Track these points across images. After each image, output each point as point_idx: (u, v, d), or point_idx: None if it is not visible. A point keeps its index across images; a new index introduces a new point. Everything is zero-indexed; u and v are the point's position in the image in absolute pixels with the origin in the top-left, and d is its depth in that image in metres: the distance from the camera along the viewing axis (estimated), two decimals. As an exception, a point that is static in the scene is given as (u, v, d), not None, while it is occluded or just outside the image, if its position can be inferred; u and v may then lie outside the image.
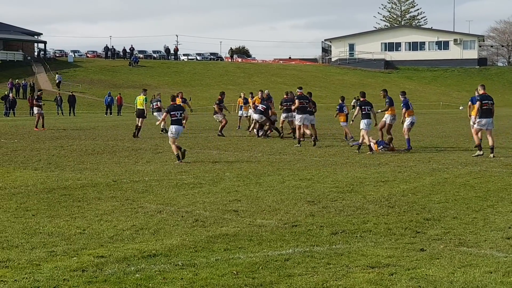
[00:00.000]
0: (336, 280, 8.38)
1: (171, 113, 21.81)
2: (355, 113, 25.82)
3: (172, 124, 21.73)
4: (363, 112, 25.01)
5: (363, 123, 24.77)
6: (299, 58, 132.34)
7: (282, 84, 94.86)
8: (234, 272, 8.71)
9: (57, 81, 78.66)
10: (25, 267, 8.94)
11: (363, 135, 24.83)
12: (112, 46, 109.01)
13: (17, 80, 73.43)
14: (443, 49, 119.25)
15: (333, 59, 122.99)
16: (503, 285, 8.16)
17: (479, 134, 22.82)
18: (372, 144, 24.57)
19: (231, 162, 21.71)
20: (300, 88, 28.78)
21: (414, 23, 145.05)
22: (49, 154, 24.14)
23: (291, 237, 10.79)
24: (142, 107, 33.41)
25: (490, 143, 22.66)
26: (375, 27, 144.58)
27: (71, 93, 63.33)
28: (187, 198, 14.66)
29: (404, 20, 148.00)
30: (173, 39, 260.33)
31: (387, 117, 26.25)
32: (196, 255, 9.66)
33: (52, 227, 11.53)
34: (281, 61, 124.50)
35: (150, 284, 8.20)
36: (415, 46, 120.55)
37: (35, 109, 39.14)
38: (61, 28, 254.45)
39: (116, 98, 64.99)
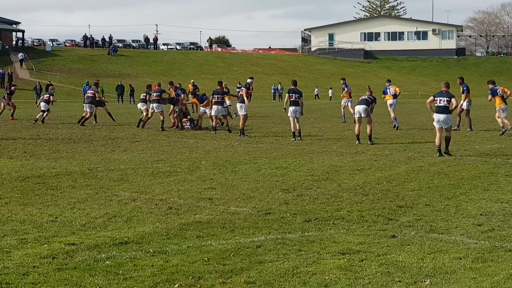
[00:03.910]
0: (306, 267, 8.41)
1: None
2: (285, 100, 26.27)
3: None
4: (291, 100, 25.45)
5: (290, 111, 25.36)
6: (279, 48, 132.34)
7: (262, 74, 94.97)
8: (205, 259, 8.72)
9: (20, 59, 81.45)
10: (-5, 254, 8.90)
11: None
12: (91, 35, 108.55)
13: (-6, 69, 72.95)
14: (422, 39, 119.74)
15: (312, 49, 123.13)
16: (472, 271, 8.21)
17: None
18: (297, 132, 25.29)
19: (208, 150, 21.70)
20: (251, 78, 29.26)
21: (393, 13, 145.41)
22: (25, 143, 24.01)
23: (263, 225, 10.81)
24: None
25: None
26: (355, 17, 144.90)
27: (49, 82, 62.90)
28: (162, 186, 14.64)
29: (384, 10, 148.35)
30: (152, 29, 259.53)
31: (464, 103, 29.54)
32: (168, 242, 9.65)
33: (24, 215, 11.47)
34: (261, 51, 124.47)
35: (120, 271, 8.18)
36: (394, 36, 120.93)
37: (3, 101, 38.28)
38: (39, 17, 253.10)
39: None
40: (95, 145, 23.43)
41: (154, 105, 30.40)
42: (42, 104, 35.10)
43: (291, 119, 25.48)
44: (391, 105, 32.19)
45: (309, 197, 13.28)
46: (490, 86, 28.09)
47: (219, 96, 28.53)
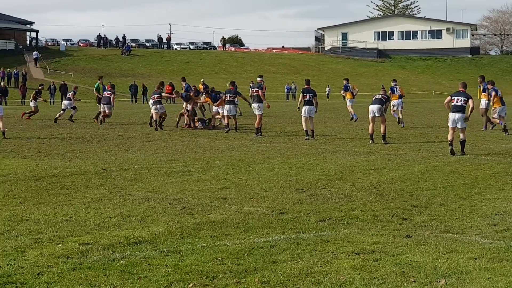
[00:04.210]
0: (320, 266, 8.39)
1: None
2: (299, 100, 26.19)
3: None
4: (305, 99, 25.46)
5: (304, 110, 25.35)
6: (292, 47, 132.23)
7: (275, 73, 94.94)
8: (219, 258, 8.72)
9: (34, 57, 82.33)
10: (10, 254, 8.93)
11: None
12: (105, 35, 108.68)
13: (8, 69, 73.14)
14: (436, 38, 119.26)
15: (326, 48, 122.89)
16: (487, 271, 8.17)
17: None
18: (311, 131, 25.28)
19: (222, 150, 21.71)
20: (260, 76, 29.07)
21: (407, 12, 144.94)
22: (39, 142, 24.10)
23: (277, 224, 10.80)
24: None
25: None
26: (368, 16, 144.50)
27: (63, 82, 63.10)
28: (176, 185, 14.65)
29: (397, 9, 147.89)
30: (166, 28, 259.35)
31: (483, 102, 29.81)
32: (182, 242, 9.66)
33: (39, 215, 11.51)
34: (274, 50, 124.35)
35: (135, 270, 8.20)
36: (408, 35, 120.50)
37: (33, 103, 38.87)
38: (53, 16, 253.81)
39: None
40: (109, 144, 23.49)
41: (158, 106, 30.39)
42: (66, 102, 35.63)
43: (303, 118, 25.45)
44: (394, 105, 32.51)
45: (323, 196, 13.26)
46: (490, 86, 28.62)
47: (231, 95, 28.53)
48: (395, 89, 33.21)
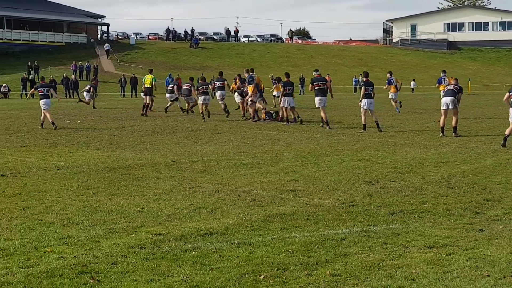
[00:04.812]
0: (392, 260, 8.34)
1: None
2: (362, 93, 26.00)
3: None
4: (365, 92, 25.28)
5: (364, 103, 25.23)
6: (360, 40, 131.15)
7: (343, 66, 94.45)
8: (290, 250, 8.74)
9: (106, 49, 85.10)
10: (84, 244, 9.11)
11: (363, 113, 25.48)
12: (174, 28, 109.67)
13: (80, 62, 74.46)
14: (507, 29, 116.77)
15: (394, 40, 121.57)
16: None
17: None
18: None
19: (290, 142, 21.71)
20: (317, 70, 28.99)
21: (477, 3, 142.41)
22: (111, 134, 24.48)
23: (348, 217, 10.76)
24: (149, 86, 34.98)
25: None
26: (438, 7, 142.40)
27: (133, 75, 63.93)
28: (245, 178, 14.72)
29: (467, 0, 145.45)
30: (233, 21, 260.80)
31: None
32: (252, 233, 9.71)
33: (112, 205, 11.71)
34: (342, 43, 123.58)
35: (206, 262, 8.28)
36: (478, 26, 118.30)
37: (86, 94, 40.70)
38: (123, 10, 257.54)
39: (175, 79, 65.52)
40: (178, 137, 23.72)
41: (207, 97, 31.65)
42: (168, 95, 36.94)
43: (363, 111, 25.24)
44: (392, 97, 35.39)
45: (393, 189, 13.16)
46: None
47: (289, 88, 28.60)
48: (392, 80, 35.86)
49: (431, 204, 11.73)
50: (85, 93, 41.47)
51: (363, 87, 25.75)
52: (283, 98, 28.77)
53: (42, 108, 27.24)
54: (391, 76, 36.99)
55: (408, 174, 15.07)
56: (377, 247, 8.92)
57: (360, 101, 25.50)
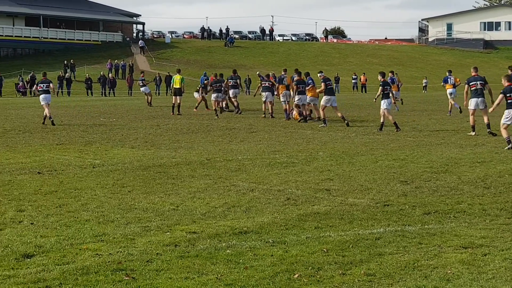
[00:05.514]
0: (427, 260, 8.29)
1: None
2: (378, 93, 25.90)
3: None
4: (384, 92, 25.27)
5: (384, 103, 25.20)
6: (395, 39, 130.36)
7: (378, 65, 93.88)
8: (324, 250, 8.72)
9: (140, 46, 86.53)
10: (119, 241, 9.18)
11: (383, 115, 25.43)
12: (208, 27, 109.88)
13: (116, 60, 75.00)
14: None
15: (430, 39, 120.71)
16: None
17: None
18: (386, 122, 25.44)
19: (325, 141, 21.67)
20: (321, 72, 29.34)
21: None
22: (146, 132, 24.63)
23: (382, 216, 10.72)
24: (179, 86, 35.23)
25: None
26: (474, 6, 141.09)
27: (168, 74, 64.21)
28: (280, 177, 14.72)
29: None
30: (268, 20, 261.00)
31: None
32: (286, 232, 9.72)
33: (147, 203, 11.78)
34: (377, 42, 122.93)
35: (241, 260, 8.29)
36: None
37: (142, 89, 42.68)
38: (158, 9, 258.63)
39: (210, 78, 65.68)
40: (213, 135, 23.79)
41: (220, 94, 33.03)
42: (196, 94, 38.50)
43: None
44: (451, 94, 34.25)
45: (428, 189, 13.08)
46: None
47: (302, 86, 29.31)
48: (448, 79, 34.93)
49: (466, 204, 11.64)
50: (195, 94, 41.04)
51: (380, 87, 25.62)
52: (296, 96, 29.32)
53: (42, 103, 27.62)
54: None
55: (443, 174, 14.96)
56: (412, 247, 8.87)
57: (375, 99, 26.07)
